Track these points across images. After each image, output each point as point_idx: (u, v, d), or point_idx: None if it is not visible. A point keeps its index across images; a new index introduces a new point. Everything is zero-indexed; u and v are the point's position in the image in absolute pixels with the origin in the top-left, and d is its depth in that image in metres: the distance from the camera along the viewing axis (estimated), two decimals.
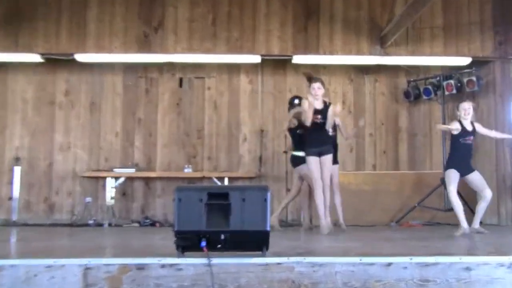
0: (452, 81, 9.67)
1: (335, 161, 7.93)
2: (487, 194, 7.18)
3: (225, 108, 10.23)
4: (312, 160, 7.42)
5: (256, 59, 9.71)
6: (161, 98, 10.18)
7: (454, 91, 9.67)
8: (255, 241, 4.12)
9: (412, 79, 10.27)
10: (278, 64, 10.23)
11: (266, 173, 10.09)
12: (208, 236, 4.04)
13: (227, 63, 10.06)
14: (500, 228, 8.72)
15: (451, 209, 8.88)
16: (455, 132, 7.21)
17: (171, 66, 10.15)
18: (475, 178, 7.26)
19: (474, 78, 9.50)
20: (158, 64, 10.05)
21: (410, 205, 9.22)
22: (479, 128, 7.37)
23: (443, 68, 10.23)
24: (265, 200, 4.15)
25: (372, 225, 8.78)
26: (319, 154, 7.48)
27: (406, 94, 10.24)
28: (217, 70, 10.32)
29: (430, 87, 9.96)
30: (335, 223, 7.89)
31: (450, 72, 9.90)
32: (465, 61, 9.69)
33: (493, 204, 9.39)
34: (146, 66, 10.17)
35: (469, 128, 7.29)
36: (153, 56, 9.67)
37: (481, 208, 7.30)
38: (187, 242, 4.05)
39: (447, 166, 7.29)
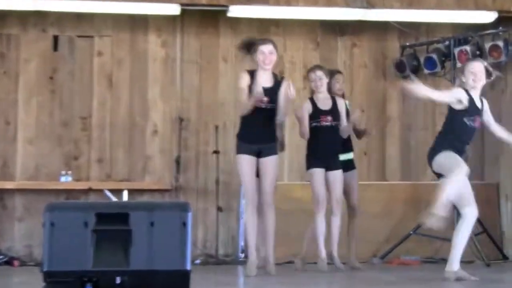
0: (467, 47, 9.85)
1: (347, 167, 8.34)
2: (469, 213, 7.03)
3: (124, 84, 10.21)
4: (243, 161, 7.59)
5: (173, 10, 9.71)
6: (25, 67, 10.09)
7: None
8: (169, 287, 4.13)
9: (408, 44, 10.45)
10: (206, 19, 10.26)
11: (186, 183, 10.11)
12: (97, 280, 4.04)
13: (128, 14, 10.02)
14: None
15: None
16: (458, 106, 7.17)
17: (40, 17, 10.07)
18: (466, 183, 7.15)
19: (500, 43, 9.72)
20: (19, 13, 9.94)
21: (402, 232, 9.38)
22: (487, 110, 7.36)
23: (454, 27, 10.44)
24: (185, 224, 4.18)
25: (344, 262, 8.89)
26: (258, 154, 7.61)
27: (399, 67, 10.40)
28: (112, 25, 10.27)
29: (434, 56, 10.14)
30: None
31: (465, 33, 10.10)
32: (488, 17, 9.92)
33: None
34: (0, 17, 10.05)
35: (478, 103, 7.24)
36: (11, 1, 9.53)
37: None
38: None
39: (434, 153, 7.28)
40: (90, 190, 9.71)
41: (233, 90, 10.17)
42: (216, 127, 10.03)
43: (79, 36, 10.23)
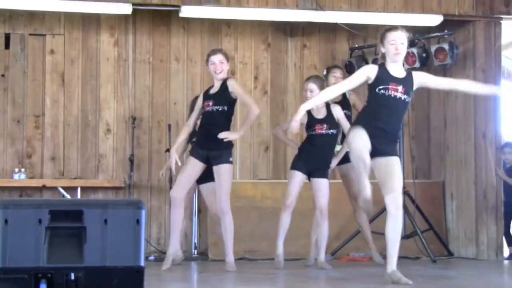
0: (414, 50, 9.94)
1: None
2: (388, 204, 6.57)
3: (77, 82, 10.14)
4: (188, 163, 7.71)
5: (124, 8, 9.65)
6: None
7: (417, 64, 9.95)
8: (123, 283, 4.12)
9: (356, 46, 10.52)
10: (158, 18, 10.24)
11: (139, 181, 10.08)
12: (51, 276, 4.02)
13: (80, 13, 9.96)
14: (478, 264, 9.08)
15: (410, 236, 9.21)
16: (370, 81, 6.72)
17: None
18: (391, 170, 6.58)
19: (446, 46, 9.81)
20: None
21: (351, 230, 9.44)
22: (423, 76, 6.79)
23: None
24: (138, 221, 4.17)
25: (294, 258, 8.91)
26: (206, 161, 7.66)
27: (347, 68, 10.47)
28: (65, 23, 10.20)
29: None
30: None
31: (413, 36, 10.18)
32: (434, 20, 10.02)
33: (470, 229, 9.80)
34: None
35: (398, 73, 6.60)
36: None
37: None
38: (18, 286, 4.00)
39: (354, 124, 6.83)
40: (44, 187, 9.64)
41: (185, 90, 10.20)
42: (169, 126, 10.00)
43: (31, 34, 10.15)
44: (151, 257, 9.35)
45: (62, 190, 9.52)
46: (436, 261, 8.97)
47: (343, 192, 9.05)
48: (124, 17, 10.06)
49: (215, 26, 10.31)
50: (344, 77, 8.40)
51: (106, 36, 10.26)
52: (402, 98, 6.46)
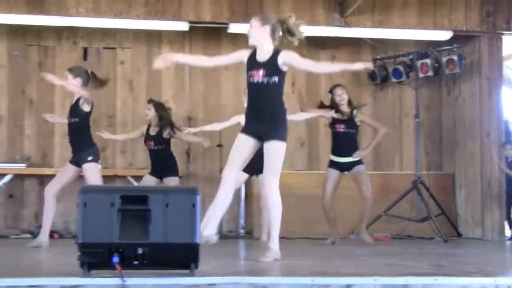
0: (428, 61, 9.90)
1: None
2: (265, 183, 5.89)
3: (143, 88, 10.20)
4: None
5: (182, 26, 9.71)
6: (60, 74, 10.01)
7: (431, 73, 9.91)
8: (181, 257, 4.16)
9: (378, 57, 10.48)
10: (210, 34, 10.26)
11: (195, 172, 10.12)
12: (122, 250, 4.06)
13: (145, 30, 10.03)
14: (484, 244, 9.02)
15: (425, 219, 9.18)
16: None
17: (72, 32, 10.05)
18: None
19: (455, 57, 9.75)
20: (54, 28, 9.92)
21: (374, 213, 9.41)
22: (287, 58, 6.08)
23: (417, 44, 10.48)
24: (194, 205, 4.20)
25: (326, 237, 8.91)
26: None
27: (371, 76, 10.44)
28: (132, 39, 10.27)
29: (400, 67, 10.17)
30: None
31: (426, 49, 10.14)
32: (444, 35, 9.94)
33: (476, 214, 9.74)
34: (38, 31, 10.03)
35: (262, 57, 5.98)
36: (48, 17, 9.50)
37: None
38: (95, 258, 4.06)
39: None
40: (115, 176, 9.72)
41: (233, 94, 10.21)
42: None
43: (105, 48, 10.23)
44: None
45: (130, 179, 9.61)
46: (447, 241, 8.95)
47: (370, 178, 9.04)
48: (182, 33, 10.11)
49: None
50: (347, 92, 8.53)
51: (166, 49, 10.30)
52: (265, 82, 5.83)
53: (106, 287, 3.96)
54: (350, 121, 8.37)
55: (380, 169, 10.40)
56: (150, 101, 8.98)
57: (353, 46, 10.57)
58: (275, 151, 5.82)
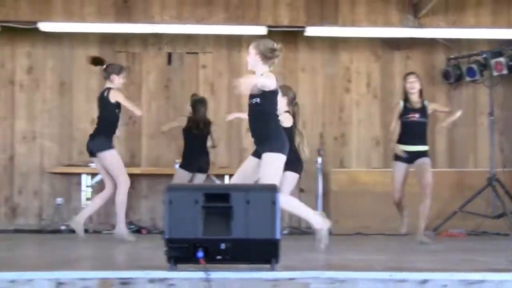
0: (502, 59, 9.68)
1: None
2: None
3: (223, 91, 10.27)
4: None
5: (261, 30, 9.75)
6: (146, 78, 10.23)
7: (505, 71, 9.69)
8: (262, 252, 4.17)
9: (452, 57, 10.30)
10: (287, 37, 10.24)
11: None
12: (206, 246, 4.10)
13: (225, 35, 10.10)
14: None
15: (500, 216, 8.98)
16: None
17: (157, 38, 10.20)
18: None
19: None
20: (141, 35, 10.09)
21: (450, 210, 9.27)
22: None
23: (491, 42, 10.25)
24: (274, 202, 4.21)
25: (403, 233, 8.82)
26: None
27: (445, 75, 10.29)
28: (213, 44, 10.35)
29: (475, 66, 9.98)
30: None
31: (500, 47, 9.92)
32: None
33: None
34: (126, 38, 10.21)
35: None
36: (135, 25, 9.71)
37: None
38: (181, 253, 4.11)
39: None
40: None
41: (310, 94, 10.20)
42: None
43: (187, 53, 10.33)
44: (285, 231, 9.41)
45: (213, 177, 9.66)
46: None
47: (442, 179, 8.92)
48: (261, 37, 10.13)
49: (334, 43, 10.28)
50: (420, 82, 8.03)
51: (246, 53, 10.27)
52: (252, 103, 6.13)
53: (191, 281, 4.01)
54: (423, 110, 7.93)
55: (455, 167, 10.22)
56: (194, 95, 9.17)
57: (427, 46, 10.42)
58: (266, 164, 5.88)
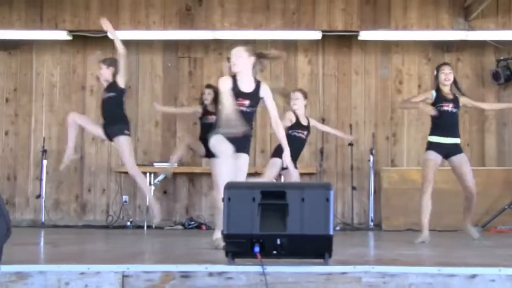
0: None
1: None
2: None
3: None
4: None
5: (316, 35, 9.75)
6: (207, 82, 10.30)
7: None
8: (316, 247, 4.16)
9: (502, 58, 10.12)
10: (341, 41, 10.23)
11: (328, 168, 10.11)
12: (262, 241, 4.09)
13: (282, 40, 10.12)
14: None
15: None
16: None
17: (217, 44, 10.27)
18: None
19: None
20: (202, 41, 10.18)
21: (498, 207, 9.12)
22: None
23: None
24: (328, 200, 4.18)
25: (452, 229, 8.70)
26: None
27: (495, 76, 10.12)
28: (270, 48, 10.33)
29: None
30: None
31: None
32: None
33: None
34: (188, 44, 10.31)
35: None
36: (197, 32, 9.81)
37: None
38: (238, 248, 4.12)
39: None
40: (256, 173, 9.84)
41: (363, 96, 10.14)
42: (350, 125, 10.00)
43: None
44: (337, 228, 9.39)
45: None
46: None
47: (491, 177, 8.76)
48: (315, 41, 10.13)
49: (386, 46, 10.21)
50: (454, 73, 7.34)
51: (302, 56, 10.36)
52: (248, 111, 5.86)
53: (248, 274, 4.02)
54: (456, 101, 7.23)
55: (504, 165, 10.04)
56: (209, 86, 8.86)
57: (478, 48, 10.26)
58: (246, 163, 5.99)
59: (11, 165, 10.31)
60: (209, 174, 9.99)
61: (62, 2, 10.01)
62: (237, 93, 5.78)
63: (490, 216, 9.16)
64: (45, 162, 10.00)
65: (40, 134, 10.28)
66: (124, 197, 10.03)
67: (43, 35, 9.95)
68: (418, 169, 9.66)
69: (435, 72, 7.34)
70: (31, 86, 10.36)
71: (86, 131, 8.43)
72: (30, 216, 10.14)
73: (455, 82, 7.31)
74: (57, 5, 10.01)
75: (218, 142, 5.75)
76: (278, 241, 4.12)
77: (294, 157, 7.32)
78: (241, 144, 5.90)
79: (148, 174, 9.75)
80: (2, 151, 10.33)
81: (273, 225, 4.14)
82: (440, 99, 7.19)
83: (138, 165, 9.87)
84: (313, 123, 8.15)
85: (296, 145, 7.61)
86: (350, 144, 9.81)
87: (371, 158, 9.78)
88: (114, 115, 7.51)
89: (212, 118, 8.73)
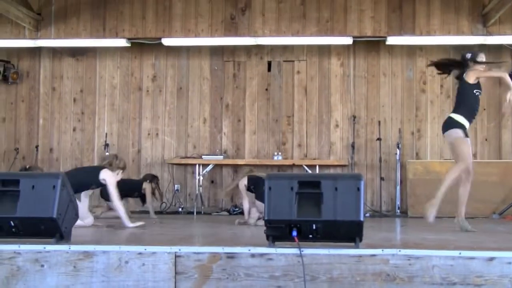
0: None
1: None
2: None
3: (315, 93, 10.24)
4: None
5: (347, 40, 9.68)
6: (249, 83, 10.31)
7: None
8: (348, 232, 4.14)
9: None
10: (370, 46, 10.14)
11: (358, 161, 10.04)
12: (299, 226, 4.10)
13: (317, 45, 10.07)
14: None
15: None
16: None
17: (259, 49, 10.26)
18: None
19: None
20: (245, 47, 10.19)
21: None
22: None
23: None
24: (358, 189, 4.16)
25: (471, 217, 8.56)
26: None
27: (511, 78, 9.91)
28: (306, 53, 10.34)
29: None
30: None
31: None
32: None
33: None
34: (233, 50, 10.32)
35: None
36: (240, 39, 9.83)
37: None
38: (278, 232, 4.12)
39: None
40: (293, 165, 9.83)
41: (390, 96, 10.04)
42: (379, 122, 9.91)
43: (284, 61, 10.35)
44: (367, 214, 9.32)
45: (306, 167, 9.65)
46: None
47: (507, 168, 8.59)
48: (347, 46, 10.06)
49: (411, 50, 10.08)
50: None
51: (334, 60, 10.29)
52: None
53: (287, 256, 4.03)
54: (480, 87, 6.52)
55: None
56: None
57: (496, 52, 10.06)
58: None
59: (78, 157, 10.46)
60: (251, 166, 10.02)
61: (122, 14, 10.14)
62: None
63: (507, 205, 9.00)
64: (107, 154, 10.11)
65: (102, 130, 10.41)
66: (176, 186, 10.10)
67: (105, 43, 10.08)
68: (441, 162, 9.59)
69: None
70: (95, 87, 10.50)
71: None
72: (94, 203, 10.26)
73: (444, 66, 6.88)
74: (118, 17, 10.15)
75: None
76: (314, 226, 4.12)
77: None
78: None
79: (197, 165, 9.83)
80: (70, 145, 10.49)
81: (309, 212, 4.14)
82: (472, 85, 6.52)
83: (187, 157, 9.98)
84: None
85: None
86: (378, 139, 9.73)
87: (398, 151, 9.69)
88: None
89: None
